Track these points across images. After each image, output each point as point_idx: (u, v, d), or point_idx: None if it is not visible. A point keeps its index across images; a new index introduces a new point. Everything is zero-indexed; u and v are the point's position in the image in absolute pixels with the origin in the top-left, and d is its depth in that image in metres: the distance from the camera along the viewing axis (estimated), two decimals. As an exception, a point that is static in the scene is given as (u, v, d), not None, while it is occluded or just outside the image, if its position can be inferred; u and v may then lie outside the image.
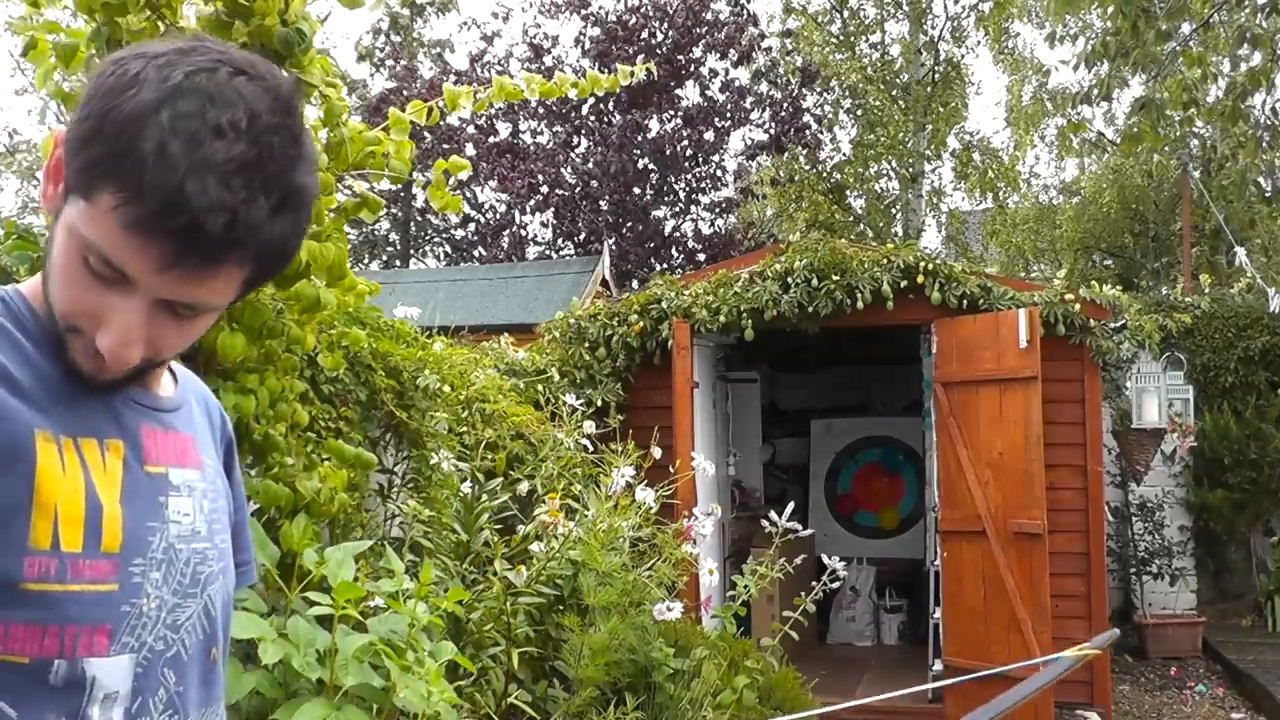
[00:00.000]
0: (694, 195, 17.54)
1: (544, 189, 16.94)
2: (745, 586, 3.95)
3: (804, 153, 16.97)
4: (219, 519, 1.05)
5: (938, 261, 6.13)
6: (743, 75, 17.07)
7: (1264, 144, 7.61)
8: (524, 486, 3.77)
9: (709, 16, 16.70)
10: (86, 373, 0.91)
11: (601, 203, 16.76)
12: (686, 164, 17.02)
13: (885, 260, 6.06)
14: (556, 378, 5.78)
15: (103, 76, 0.85)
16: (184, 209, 0.81)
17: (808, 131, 16.93)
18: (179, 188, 0.80)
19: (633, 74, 2.98)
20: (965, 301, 5.91)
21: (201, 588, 1.00)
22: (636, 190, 16.74)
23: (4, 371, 0.87)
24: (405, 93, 17.13)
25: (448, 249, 20.87)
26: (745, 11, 16.89)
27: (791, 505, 4.08)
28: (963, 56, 16.93)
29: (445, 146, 16.33)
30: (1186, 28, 6.99)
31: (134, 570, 0.92)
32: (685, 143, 16.84)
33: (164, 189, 0.80)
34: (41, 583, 0.85)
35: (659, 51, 16.23)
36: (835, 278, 6.04)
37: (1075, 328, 5.96)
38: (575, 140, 17.29)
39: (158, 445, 0.99)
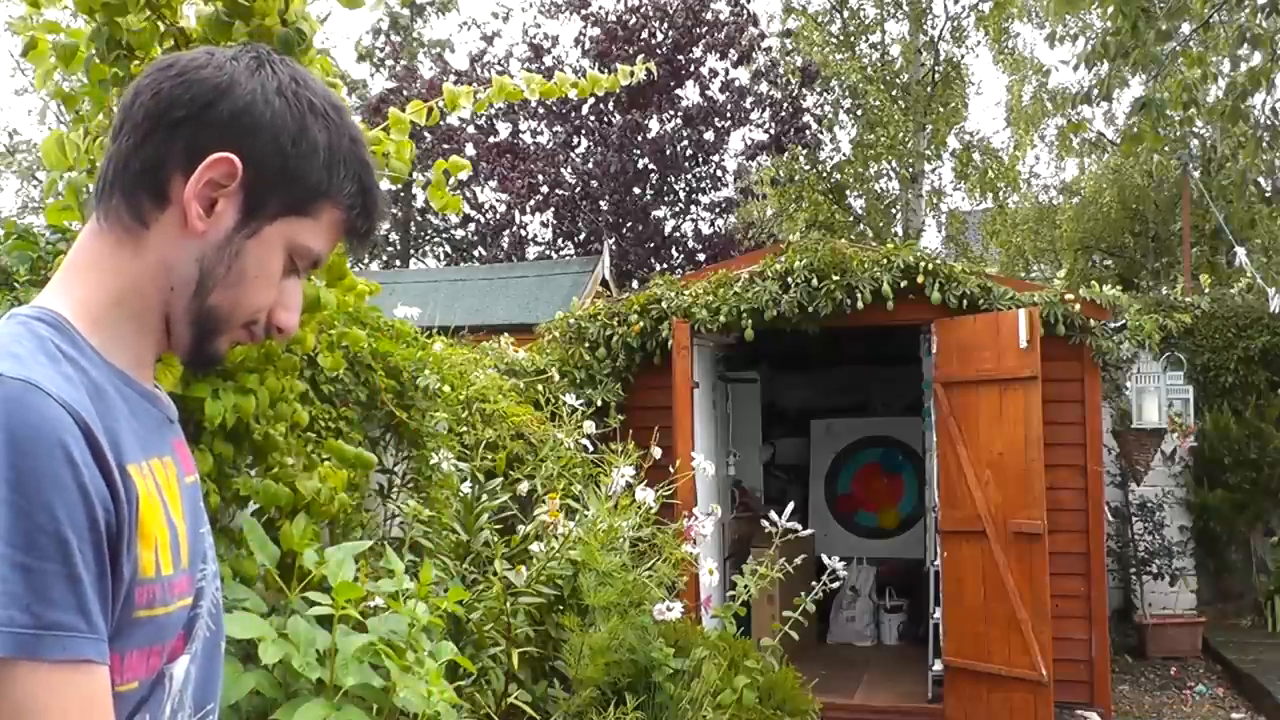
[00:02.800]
0: (694, 195, 17.53)
1: (544, 189, 16.94)
2: (745, 586, 3.95)
3: (804, 153, 16.96)
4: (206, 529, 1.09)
5: (938, 261, 6.13)
6: (743, 75, 17.07)
7: (1264, 144, 7.60)
8: (524, 486, 3.77)
9: (709, 16, 16.70)
10: (220, 355, 1.06)
11: (601, 203, 16.76)
12: (686, 164, 17.02)
13: (885, 260, 6.06)
14: (556, 378, 5.78)
15: (257, 106, 0.97)
16: (381, 211, 1.07)
17: (808, 131, 16.92)
18: (379, 197, 1.06)
19: (633, 74, 2.97)
20: (965, 301, 5.91)
21: (212, 583, 1.06)
22: (636, 190, 16.74)
23: (111, 428, 0.88)
24: (405, 93, 17.12)
25: (448, 249, 20.86)
26: (745, 11, 16.89)
27: (791, 505, 4.08)
28: (963, 56, 16.95)
29: (445, 146, 16.33)
30: (1186, 28, 6.99)
31: (198, 578, 1.00)
32: (685, 143, 16.83)
33: (376, 201, 1.05)
34: (149, 608, 0.90)
35: (659, 51, 16.22)
36: (835, 278, 6.04)
37: (1075, 328, 5.96)
38: (575, 140, 17.28)
39: (184, 455, 1.05)
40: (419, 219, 20.88)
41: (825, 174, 17.42)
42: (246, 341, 1.06)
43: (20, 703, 0.78)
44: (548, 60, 17.08)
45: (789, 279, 6.13)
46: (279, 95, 0.98)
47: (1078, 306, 5.96)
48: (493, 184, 17.44)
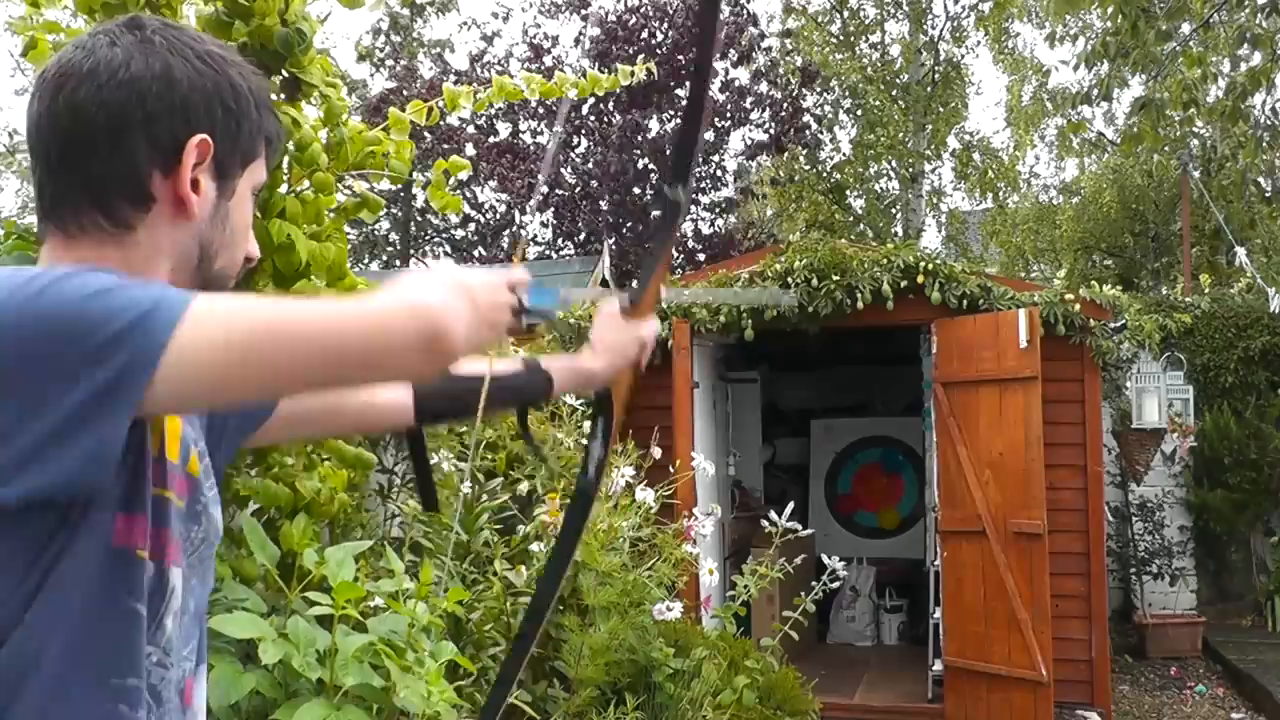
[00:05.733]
0: (694, 195, 17.52)
1: (544, 189, 16.93)
2: (745, 586, 3.95)
3: (804, 153, 16.96)
4: (207, 469, 1.10)
5: (938, 261, 6.13)
6: (743, 75, 17.06)
7: (1264, 144, 7.60)
8: (524, 486, 3.77)
9: (709, 16, 16.66)
10: None
11: (601, 203, 16.76)
12: (686, 164, 16.97)
13: (885, 260, 6.05)
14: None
15: (193, 80, 1.00)
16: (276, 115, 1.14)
17: (808, 131, 16.92)
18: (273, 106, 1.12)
19: (633, 74, 2.98)
20: (965, 301, 5.90)
21: (220, 531, 1.10)
22: (636, 190, 16.73)
23: None
24: (405, 93, 17.12)
25: (448, 249, 20.85)
26: (745, 11, 16.88)
27: (791, 505, 4.08)
28: (963, 56, 16.92)
29: (445, 146, 16.31)
30: (1186, 28, 6.99)
31: (199, 500, 1.03)
32: (685, 143, 16.80)
33: (276, 115, 1.12)
34: (154, 486, 0.93)
35: (659, 51, 16.22)
36: (835, 278, 6.04)
37: (1075, 328, 5.96)
38: (575, 140, 17.28)
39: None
40: (419, 219, 20.86)
41: (825, 174, 17.41)
42: (231, 285, 1.11)
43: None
44: (548, 60, 17.08)
45: (789, 279, 6.12)
46: (199, 60, 1.01)
47: (1078, 306, 5.95)
48: (493, 184, 17.44)
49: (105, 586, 0.87)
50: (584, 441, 4.07)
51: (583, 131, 17.20)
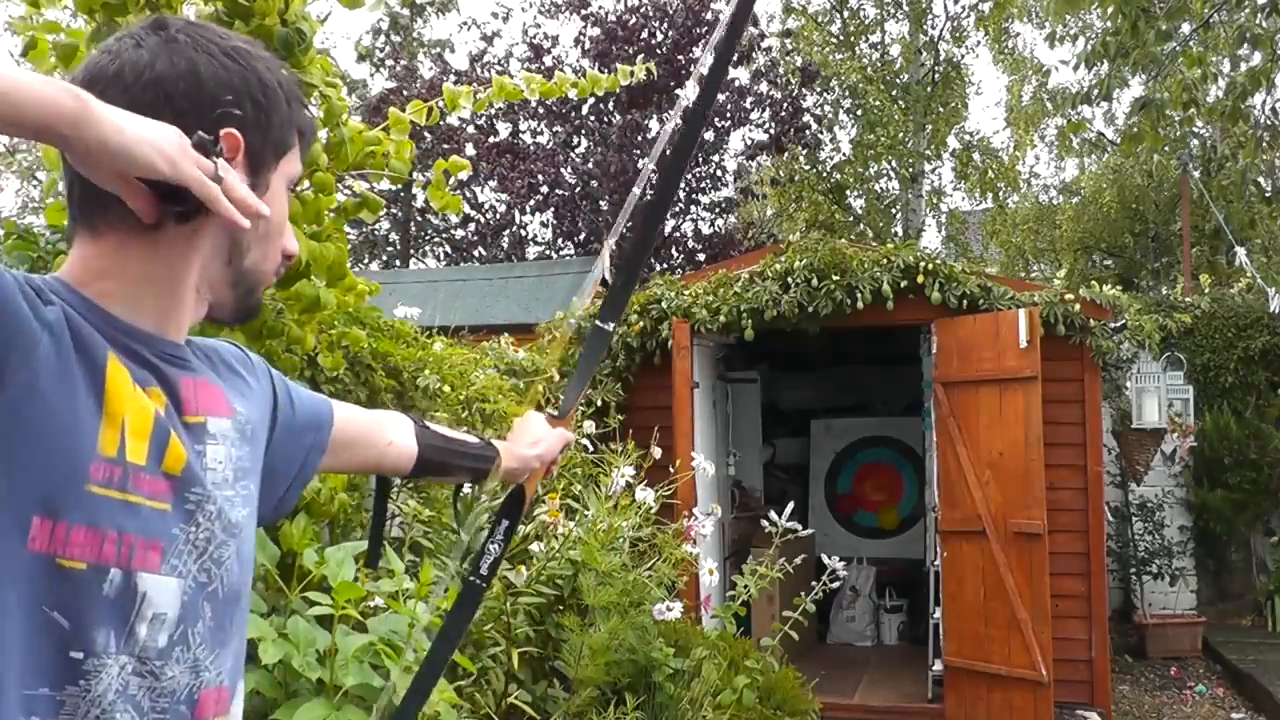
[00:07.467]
0: (694, 195, 17.52)
1: (544, 189, 16.93)
2: (745, 586, 3.95)
3: (804, 153, 16.95)
4: (246, 466, 1.09)
5: (938, 261, 6.13)
6: (743, 75, 17.05)
7: (1264, 144, 7.61)
8: (524, 486, 3.76)
9: (709, 16, 16.68)
10: (260, 305, 1.13)
11: (601, 203, 16.75)
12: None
13: (885, 260, 6.05)
14: (556, 378, 5.77)
15: (220, 75, 1.01)
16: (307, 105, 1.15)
17: (808, 131, 16.92)
18: (304, 100, 1.14)
19: (633, 74, 2.97)
20: (965, 301, 5.90)
21: (237, 531, 1.05)
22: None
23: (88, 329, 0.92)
24: (405, 93, 17.12)
25: (448, 249, 20.84)
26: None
27: (791, 505, 4.08)
28: (963, 56, 16.92)
29: (445, 146, 16.31)
30: (1186, 28, 7.00)
31: (190, 497, 0.98)
32: (685, 143, 16.80)
33: (307, 106, 1.14)
34: (105, 488, 0.90)
35: (659, 51, 16.21)
36: (835, 278, 6.04)
37: (1075, 328, 5.96)
38: (575, 140, 17.28)
39: (197, 396, 1.04)
40: (419, 219, 20.85)
41: (825, 174, 17.40)
42: (272, 281, 1.12)
43: None
44: (548, 60, 17.07)
45: (789, 279, 6.12)
46: (225, 56, 1.02)
47: (1078, 306, 5.96)
48: (493, 184, 17.44)
49: (22, 592, 0.86)
50: (585, 441, 4.08)
51: (583, 131, 17.20)
